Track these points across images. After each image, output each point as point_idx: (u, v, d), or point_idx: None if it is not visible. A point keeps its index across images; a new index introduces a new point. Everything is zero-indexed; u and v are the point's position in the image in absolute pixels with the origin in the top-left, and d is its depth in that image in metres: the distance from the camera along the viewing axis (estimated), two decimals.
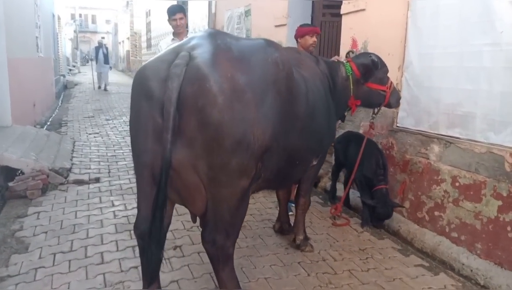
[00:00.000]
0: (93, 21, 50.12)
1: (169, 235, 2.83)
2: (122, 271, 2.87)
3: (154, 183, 2.04)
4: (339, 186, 4.45)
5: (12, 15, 6.33)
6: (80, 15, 39.17)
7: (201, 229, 2.21)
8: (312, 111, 2.60)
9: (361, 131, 4.35)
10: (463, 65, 3.20)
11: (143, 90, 2.01)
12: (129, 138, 2.19)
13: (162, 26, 15.90)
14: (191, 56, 1.95)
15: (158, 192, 1.94)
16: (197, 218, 2.37)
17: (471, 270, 3.03)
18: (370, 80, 3.31)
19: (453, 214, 3.29)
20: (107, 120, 9.19)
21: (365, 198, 3.75)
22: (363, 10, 4.33)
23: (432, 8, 3.48)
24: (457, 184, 3.26)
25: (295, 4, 5.88)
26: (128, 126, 2.19)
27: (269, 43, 2.32)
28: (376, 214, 3.67)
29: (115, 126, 8.43)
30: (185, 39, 2.24)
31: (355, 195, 4.32)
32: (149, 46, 19.87)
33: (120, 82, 20.03)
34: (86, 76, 22.31)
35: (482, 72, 3.04)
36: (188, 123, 1.91)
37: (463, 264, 3.10)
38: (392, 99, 3.44)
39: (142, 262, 2.22)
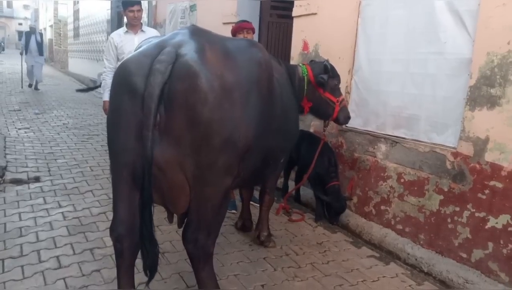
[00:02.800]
0: (9, 5, 45.84)
1: None
2: (83, 275, 2.74)
3: (133, 184, 1.98)
4: (291, 183, 4.61)
5: None
6: None
7: (181, 229, 2.19)
8: (285, 111, 2.68)
9: (311, 130, 4.54)
10: (410, 71, 3.46)
11: (126, 86, 1.93)
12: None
13: (93, 15, 15.08)
14: (178, 54, 1.91)
15: (142, 191, 1.89)
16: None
17: (416, 259, 3.30)
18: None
19: (398, 208, 3.56)
20: (37, 114, 8.51)
21: (319, 194, 3.93)
22: (315, 14, 4.46)
23: (382, 17, 3.69)
24: (402, 180, 3.53)
25: (244, 2, 5.92)
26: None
27: (253, 43, 2.35)
28: (333, 209, 3.86)
29: (47, 121, 7.81)
30: (167, 35, 2.19)
31: (305, 192, 4.50)
32: (76, 35, 18.65)
33: (43, 73, 18.57)
34: (3, 65, 20.47)
35: (427, 78, 3.31)
36: (177, 121, 1.88)
37: (408, 254, 3.37)
38: (340, 115, 3.46)
39: (118, 264, 2.14)
